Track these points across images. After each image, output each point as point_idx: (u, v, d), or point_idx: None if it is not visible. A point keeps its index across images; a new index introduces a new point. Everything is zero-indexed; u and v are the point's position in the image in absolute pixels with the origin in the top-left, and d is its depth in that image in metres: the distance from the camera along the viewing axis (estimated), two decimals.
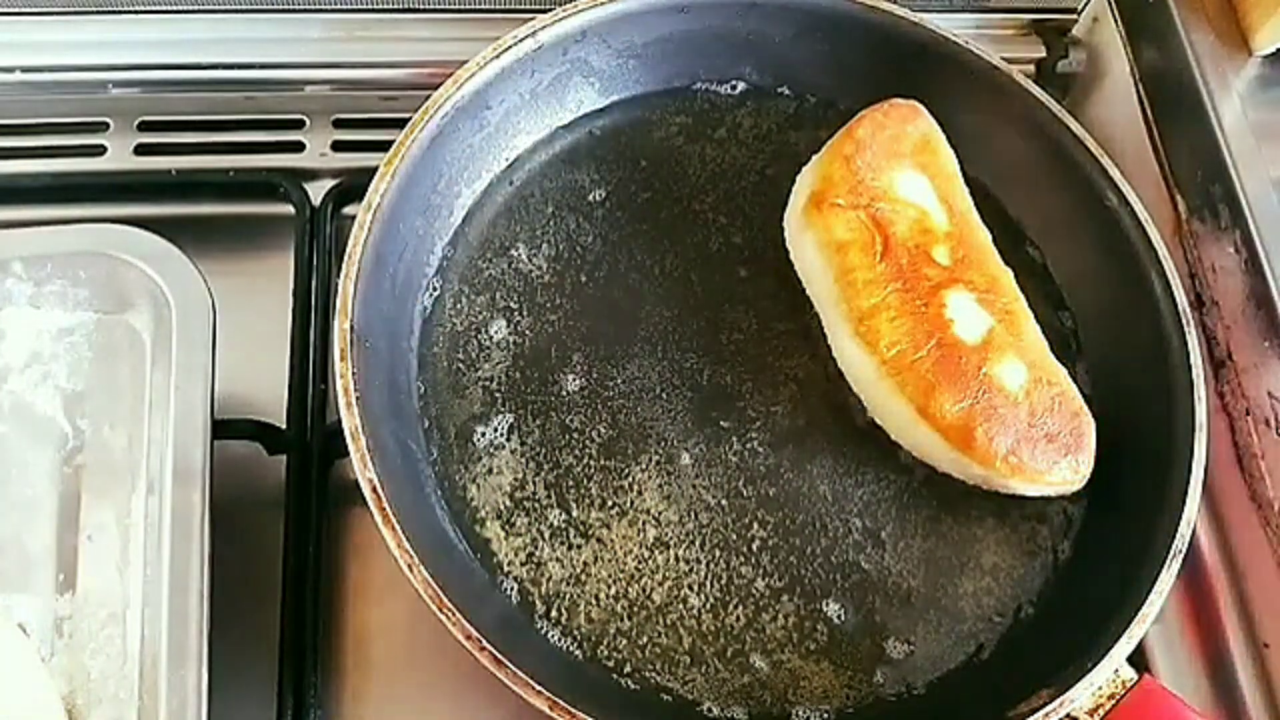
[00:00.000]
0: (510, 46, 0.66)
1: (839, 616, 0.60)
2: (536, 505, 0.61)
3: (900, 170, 0.64)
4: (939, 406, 0.59)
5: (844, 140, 0.65)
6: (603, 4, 0.68)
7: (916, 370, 0.59)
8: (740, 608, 0.60)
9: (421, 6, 0.76)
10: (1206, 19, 0.74)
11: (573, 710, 0.51)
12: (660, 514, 0.61)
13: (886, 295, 0.61)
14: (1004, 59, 0.70)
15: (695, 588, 0.60)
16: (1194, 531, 0.58)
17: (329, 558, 0.64)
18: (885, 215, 0.62)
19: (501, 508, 0.61)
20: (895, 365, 0.60)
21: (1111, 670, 0.55)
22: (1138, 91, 0.77)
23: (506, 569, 0.59)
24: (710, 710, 0.57)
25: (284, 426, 0.65)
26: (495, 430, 0.62)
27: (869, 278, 0.61)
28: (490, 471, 0.61)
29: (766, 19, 0.71)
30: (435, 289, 0.66)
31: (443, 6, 0.77)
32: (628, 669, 0.58)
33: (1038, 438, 0.59)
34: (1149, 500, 0.60)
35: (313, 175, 0.75)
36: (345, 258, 0.59)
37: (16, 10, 0.73)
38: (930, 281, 0.61)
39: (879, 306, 0.61)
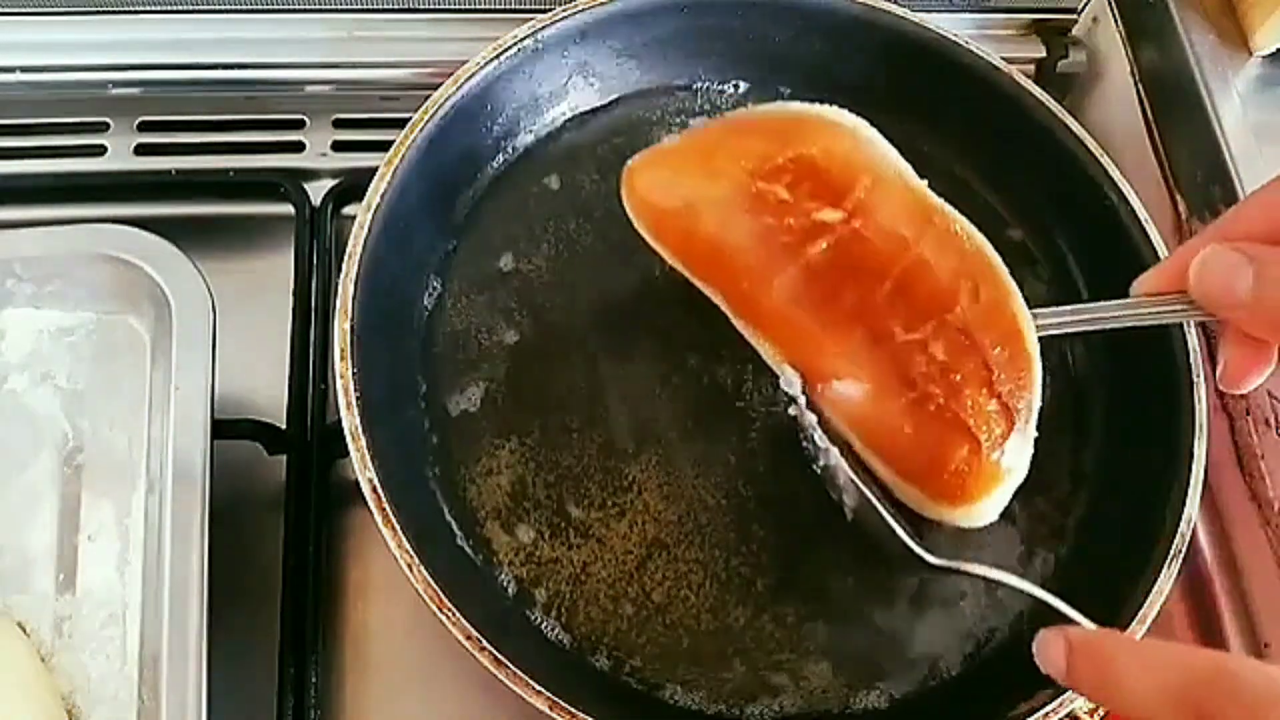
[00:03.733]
0: (510, 46, 0.66)
1: (838, 616, 0.60)
2: (536, 505, 0.61)
3: None
4: None
5: None
6: (603, 4, 0.68)
7: None
8: (740, 608, 0.60)
9: (421, 6, 0.76)
10: (1206, 19, 0.74)
11: (573, 710, 0.51)
12: (660, 514, 0.61)
13: None
14: (1004, 59, 0.70)
15: (695, 588, 0.60)
16: (1194, 531, 0.58)
17: (329, 558, 0.63)
18: None
19: (501, 508, 0.61)
20: None
21: None
22: (1138, 91, 0.77)
23: (506, 569, 0.59)
24: (710, 710, 0.57)
25: (284, 426, 0.65)
26: (495, 430, 0.62)
27: None
28: (490, 471, 0.61)
29: (766, 19, 0.71)
30: (435, 289, 0.66)
31: (443, 6, 0.76)
32: (628, 669, 0.58)
33: None
34: (1148, 500, 0.60)
35: (313, 175, 0.75)
36: (345, 258, 0.59)
37: (16, 10, 0.73)
38: None
39: None
